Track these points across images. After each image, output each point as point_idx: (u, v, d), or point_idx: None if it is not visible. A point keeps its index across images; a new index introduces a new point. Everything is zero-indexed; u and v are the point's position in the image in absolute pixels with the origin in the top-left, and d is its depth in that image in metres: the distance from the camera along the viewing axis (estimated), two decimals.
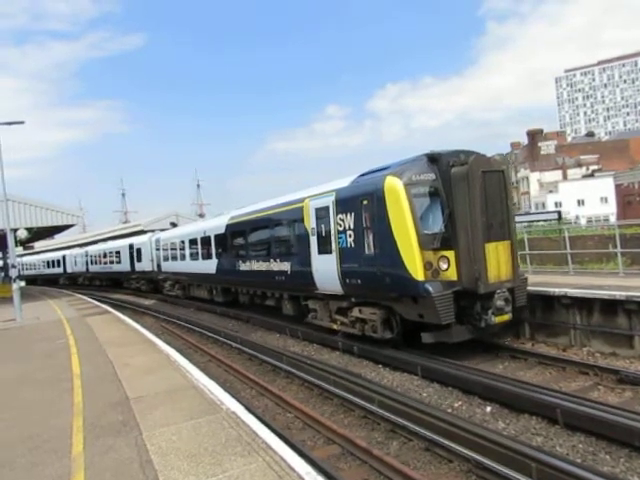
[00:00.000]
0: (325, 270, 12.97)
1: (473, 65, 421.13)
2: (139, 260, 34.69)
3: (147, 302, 31.27)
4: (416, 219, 10.19)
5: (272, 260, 16.20)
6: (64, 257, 55.86)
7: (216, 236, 21.49)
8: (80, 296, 35.80)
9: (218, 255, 21.38)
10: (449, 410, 8.20)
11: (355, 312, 12.30)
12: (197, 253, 23.97)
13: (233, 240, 19.99)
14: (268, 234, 16.79)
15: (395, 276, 10.50)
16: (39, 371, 11.02)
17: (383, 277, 10.81)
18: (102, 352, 12.37)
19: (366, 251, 11.30)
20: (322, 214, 13.07)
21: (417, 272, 10.03)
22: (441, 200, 10.47)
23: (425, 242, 10.13)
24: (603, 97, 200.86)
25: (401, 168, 10.77)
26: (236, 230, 19.54)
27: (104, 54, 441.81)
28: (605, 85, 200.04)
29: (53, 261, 59.53)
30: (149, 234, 35.52)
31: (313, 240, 13.53)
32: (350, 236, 11.82)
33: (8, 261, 24.04)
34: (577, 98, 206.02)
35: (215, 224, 21.96)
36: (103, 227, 74.27)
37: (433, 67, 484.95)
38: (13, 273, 22.92)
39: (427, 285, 9.95)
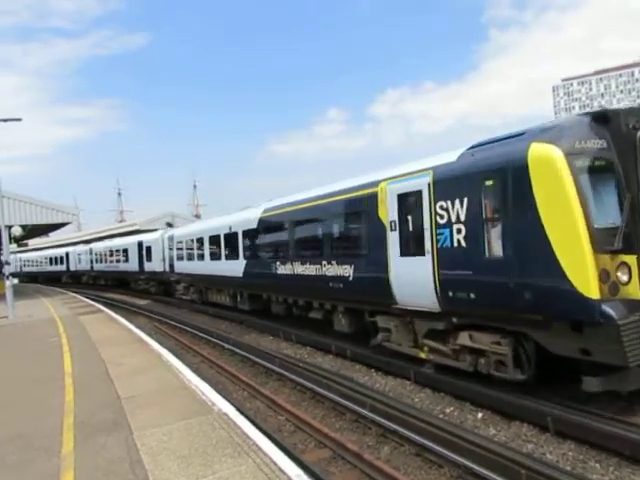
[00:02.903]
0: (412, 278, 9.65)
1: (474, 71, 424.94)
2: (149, 259, 32.04)
3: (141, 302, 31.17)
4: (585, 206, 6.95)
5: (325, 262, 12.80)
6: (67, 254, 53.56)
7: (245, 232, 18.20)
8: (74, 295, 35.67)
9: (247, 255, 18.14)
10: (441, 416, 8.21)
11: (462, 338, 8.86)
12: (219, 252, 20.83)
13: (268, 237, 16.76)
14: (320, 229, 13.45)
15: (546, 290, 7.19)
16: (30, 369, 10.97)
17: (520, 291, 7.50)
18: (94, 351, 12.33)
19: (488, 252, 8.12)
20: (409, 202, 9.84)
21: (589, 286, 6.74)
22: (617, 179, 7.27)
23: (599, 241, 6.86)
24: (600, 107, 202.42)
25: (556, 132, 7.52)
26: (272, 225, 16.19)
27: (107, 52, 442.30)
28: (602, 95, 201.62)
29: (56, 258, 56.68)
30: (161, 231, 32.68)
31: (392, 237, 10.22)
32: (459, 231, 8.56)
33: (2, 258, 23.88)
34: (574, 107, 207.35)
35: (243, 218, 18.60)
36: (99, 226, 73.81)
37: (434, 72, 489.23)
38: (7, 270, 22.81)
39: (606, 307, 6.67)
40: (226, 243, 20.09)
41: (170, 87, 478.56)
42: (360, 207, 11.39)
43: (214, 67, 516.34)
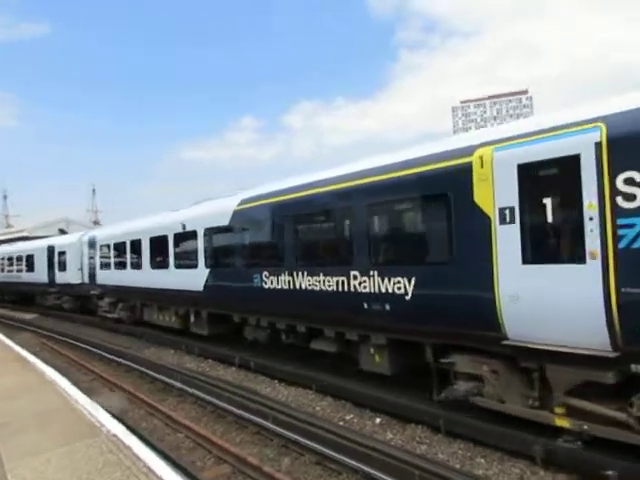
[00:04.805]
0: (550, 298, 6.12)
1: (383, 88, 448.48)
2: (62, 268, 26.09)
3: (27, 316, 28.31)
4: None
5: (357, 274, 8.80)
6: None
7: (209, 231, 13.77)
8: None
9: (211, 262, 13.66)
10: (341, 423, 8.33)
11: None
12: (166, 259, 15.97)
13: (249, 237, 12.45)
14: (349, 224, 9.32)
15: None
16: None
17: None
18: None
19: None
20: (547, 176, 6.36)
21: None
22: None
23: None
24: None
25: None
26: (258, 220, 11.80)
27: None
28: (495, 117, 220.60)
29: None
30: (79, 233, 27.08)
31: (505, 233, 6.61)
32: None
33: None
34: (471, 127, 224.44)
35: (207, 212, 14.25)
36: None
37: (346, 89, 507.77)
38: None
39: None
40: (176, 246, 15.70)
41: (66, 85, 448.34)
42: (434, 188, 7.63)
43: (128, 69, 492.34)
